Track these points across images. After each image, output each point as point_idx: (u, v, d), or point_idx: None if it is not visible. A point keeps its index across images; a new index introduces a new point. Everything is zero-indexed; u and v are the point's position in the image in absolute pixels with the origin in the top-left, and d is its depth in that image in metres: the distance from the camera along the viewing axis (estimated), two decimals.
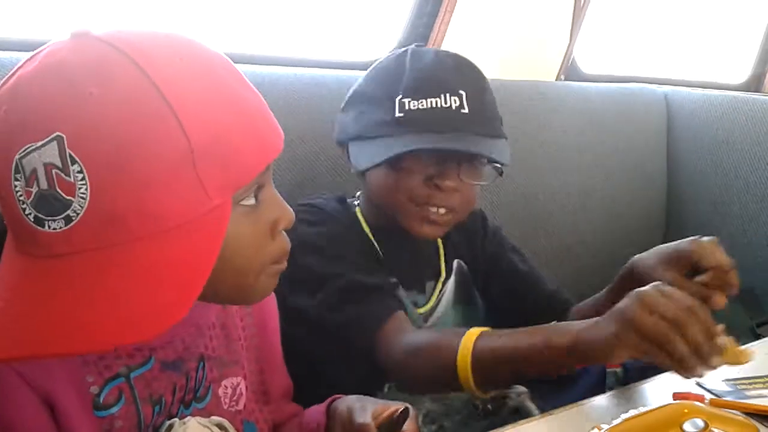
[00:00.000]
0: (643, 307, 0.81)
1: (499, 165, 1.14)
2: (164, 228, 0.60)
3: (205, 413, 0.77)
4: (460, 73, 1.12)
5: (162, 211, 0.59)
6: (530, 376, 1.07)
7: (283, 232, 0.73)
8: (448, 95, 1.08)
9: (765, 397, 0.93)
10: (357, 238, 1.16)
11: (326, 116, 1.39)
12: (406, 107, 1.08)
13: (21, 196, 0.60)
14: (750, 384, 0.98)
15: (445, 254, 1.24)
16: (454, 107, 1.08)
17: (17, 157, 0.59)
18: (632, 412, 0.78)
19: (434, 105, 1.07)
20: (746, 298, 1.85)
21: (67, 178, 0.58)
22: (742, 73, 2.66)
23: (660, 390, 0.91)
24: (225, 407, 0.79)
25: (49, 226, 0.59)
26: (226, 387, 0.80)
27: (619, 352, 0.81)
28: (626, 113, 2.01)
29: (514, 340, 0.93)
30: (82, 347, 0.60)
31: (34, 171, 0.58)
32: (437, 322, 1.20)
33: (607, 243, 1.94)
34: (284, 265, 0.74)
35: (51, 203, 0.59)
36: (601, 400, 0.92)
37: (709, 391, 0.95)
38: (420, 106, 1.08)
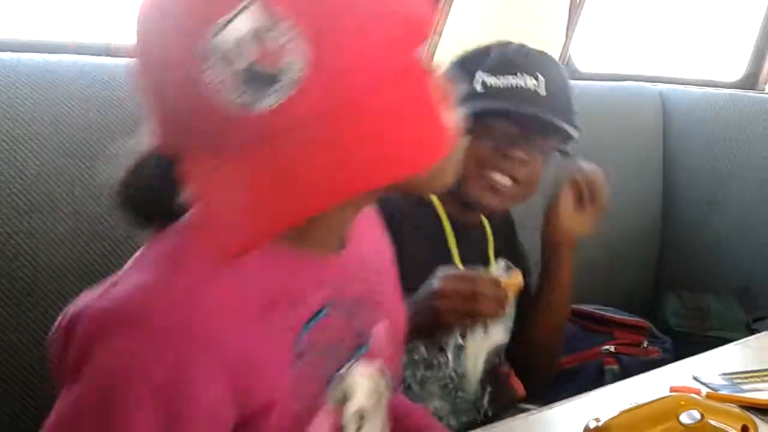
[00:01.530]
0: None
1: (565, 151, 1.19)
2: (392, 75, 0.56)
3: (367, 359, 0.71)
4: (542, 62, 1.17)
5: (388, 58, 0.56)
6: None
7: None
8: (527, 77, 1.13)
9: (761, 390, 0.94)
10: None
11: None
12: (487, 84, 1.13)
13: (219, 82, 0.53)
14: (746, 378, 0.99)
15: (494, 240, 1.24)
16: (532, 88, 1.12)
17: (209, 38, 0.52)
18: (630, 404, 0.79)
19: (513, 84, 1.12)
20: (742, 294, 1.86)
21: (277, 40, 0.52)
22: (737, 70, 2.67)
23: (657, 384, 0.92)
24: (377, 351, 0.73)
25: (263, 103, 0.53)
26: (378, 329, 0.74)
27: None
28: (622, 111, 2.02)
29: None
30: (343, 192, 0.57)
31: (234, 47, 0.52)
32: None
33: (603, 240, 1.95)
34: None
35: (261, 77, 0.52)
36: (599, 394, 0.93)
37: (705, 385, 0.96)
38: (499, 83, 1.13)
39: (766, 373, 1.00)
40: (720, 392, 0.94)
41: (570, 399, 0.90)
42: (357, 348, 0.70)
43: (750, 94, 2.17)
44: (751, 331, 1.64)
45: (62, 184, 1.10)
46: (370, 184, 0.58)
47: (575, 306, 1.43)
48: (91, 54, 1.22)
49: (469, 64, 1.17)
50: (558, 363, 1.33)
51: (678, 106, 2.09)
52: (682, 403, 0.77)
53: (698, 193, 2.03)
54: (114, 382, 0.55)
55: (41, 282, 1.08)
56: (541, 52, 1.20)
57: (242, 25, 0.52)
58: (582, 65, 2.11)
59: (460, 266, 1.15)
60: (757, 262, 1.90)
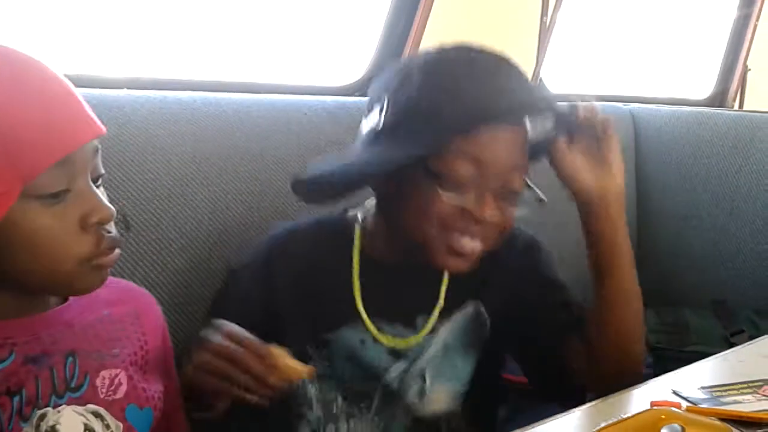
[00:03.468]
0: (201, 350, 0.88)
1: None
2: None
3: (81, 402, 0.79)
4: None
5: None
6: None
7: (106, 228, 0.75)
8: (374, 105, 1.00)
9: (740, 403, 0.95)
10: (290, 269, 1.07)
11: (302, 142, 1.40)
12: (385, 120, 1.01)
13: None
14: (725, 391, 1.00)
15: (449, 284, 1.08)
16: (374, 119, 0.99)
17: None
18: (611, 420, 0.79)
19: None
20: (719, 308, 1.88)
21: None
22: (706, 89, 2.72)
23: (638, 400, 0.92)
24: (102, 396, 0.81)
25: None
26: (103, 378, 0.81)
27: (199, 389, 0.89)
28: None
29: None
30: None
31: None
32: (430, 362, 1.07)
33: (579, 260, 1.96)
34: (108, 259, 0.76)
35: None
36: (580, 412, 0.93)
37: (685, 398, 0.97)
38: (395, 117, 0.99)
39: (744, 385, 1.01)
40: (700, 405, 0.94)
41: (551, 418, 0.90)
42: (64, 392, 0.78)
43: (719, 111, 2.21)
44: (730, 345, 1.66)
45: None
46: None
47: None
48: None
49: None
50: (638, 373, 1.06)
51: (649, 125, 2.12)
52: (663, 416, 0.78)
53: (672, 210, 2.06)
54: None
55: None
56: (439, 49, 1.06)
57: None
58: (553, 86, 2.14)
59: (361, 309, 1.05)
60: (732, 276, 1.93)
